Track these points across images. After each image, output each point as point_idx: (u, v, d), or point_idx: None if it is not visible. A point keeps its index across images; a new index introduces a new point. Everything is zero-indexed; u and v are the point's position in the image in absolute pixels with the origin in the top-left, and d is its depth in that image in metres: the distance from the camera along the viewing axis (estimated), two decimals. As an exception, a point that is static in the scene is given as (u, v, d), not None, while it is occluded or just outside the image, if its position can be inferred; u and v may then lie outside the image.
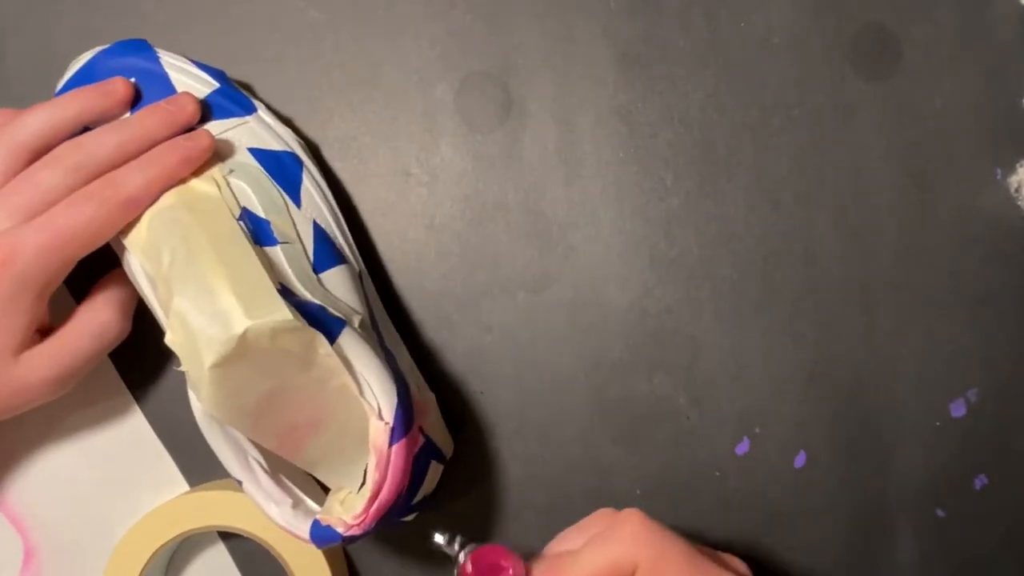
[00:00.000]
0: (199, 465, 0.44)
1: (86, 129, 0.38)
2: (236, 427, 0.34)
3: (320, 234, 0.38)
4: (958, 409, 0.43)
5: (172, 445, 0.44)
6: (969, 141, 0.43)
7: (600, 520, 0.35)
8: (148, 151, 0.37)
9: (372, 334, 0.37)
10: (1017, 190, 0.43)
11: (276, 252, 0.36)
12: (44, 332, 0.38)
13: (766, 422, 0.43)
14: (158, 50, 0.40)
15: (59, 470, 0.44)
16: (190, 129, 0.38)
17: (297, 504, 0.36)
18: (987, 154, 0.43)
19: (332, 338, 0.33)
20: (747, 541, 0.44)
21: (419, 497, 0.39)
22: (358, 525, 0.34)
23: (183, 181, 0.36)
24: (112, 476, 0.44)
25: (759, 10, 0.43)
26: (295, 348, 0.33)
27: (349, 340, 0.34)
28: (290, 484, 0.37)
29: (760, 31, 0.43)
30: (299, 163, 0.40)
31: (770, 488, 0.44)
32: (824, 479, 0.44)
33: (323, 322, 0.33)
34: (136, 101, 0.39)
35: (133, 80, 0.39)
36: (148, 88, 0.39)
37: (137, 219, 0.36)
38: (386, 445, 0.34)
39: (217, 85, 0.40)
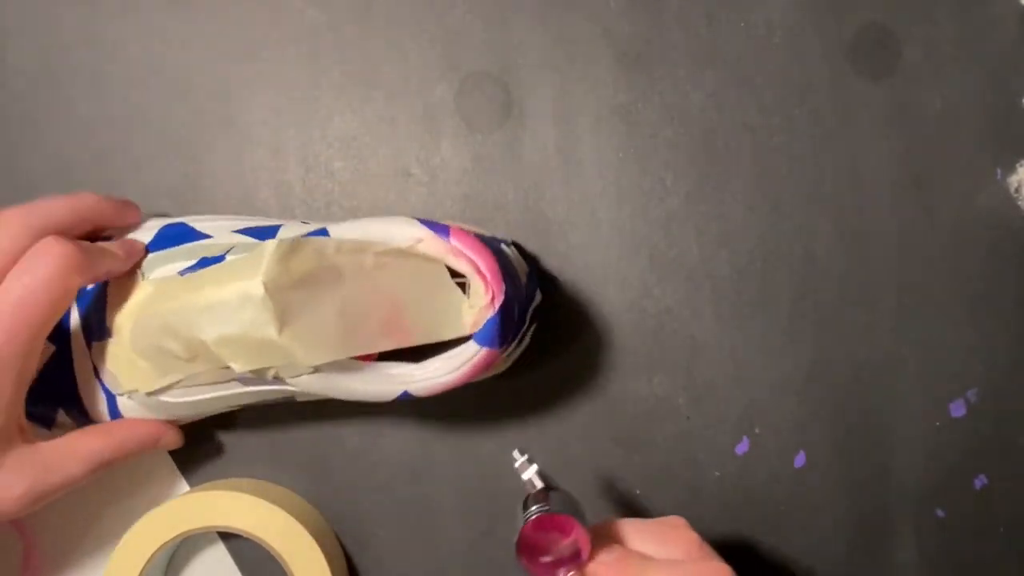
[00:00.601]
0: (199, 465, 0.44)
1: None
2: (351, 353, 0.34)
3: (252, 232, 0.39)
4: (958, 409, 0.43)
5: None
6: (969, 141, 0.43)
7: (682, 540, 0.34)
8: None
9: None
10: (1017, 190, 0.43)
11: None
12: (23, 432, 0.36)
13: (766, 422, 0.43)
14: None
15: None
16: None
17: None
18: (987, 154, 0.43)
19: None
20: (747, 541, 0.44)
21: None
22: (492, 300, 0.35)
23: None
24: (112, 476, 0.44)
25: (759, 10, 0.43)
26: (310, 263, 0.34)
27: (339, 229, 0.35)
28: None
29: (760, 31, 0.43)
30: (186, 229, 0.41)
31: (770, 488, 0.44)
32: (824, 479, 0.44)
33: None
34: None
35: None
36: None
37: (126, 368, 0.37)
38: (440, 235, 0.35)
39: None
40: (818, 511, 0.44)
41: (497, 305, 0.34)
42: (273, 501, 0.41)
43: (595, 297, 0.43)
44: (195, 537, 0.45)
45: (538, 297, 0.40)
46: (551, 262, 0.43)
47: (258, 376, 0.35)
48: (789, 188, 0.43)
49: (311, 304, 0.34)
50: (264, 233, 0.38)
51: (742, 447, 0.44)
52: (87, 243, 0.36)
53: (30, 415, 0.38)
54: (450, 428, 0.44)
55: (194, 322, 0.34)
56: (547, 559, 0.33)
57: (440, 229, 0.35)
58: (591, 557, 0.33)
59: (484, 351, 0.35)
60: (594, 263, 0.43)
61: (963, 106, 0.43)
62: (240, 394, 0.37)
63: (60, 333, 0.38)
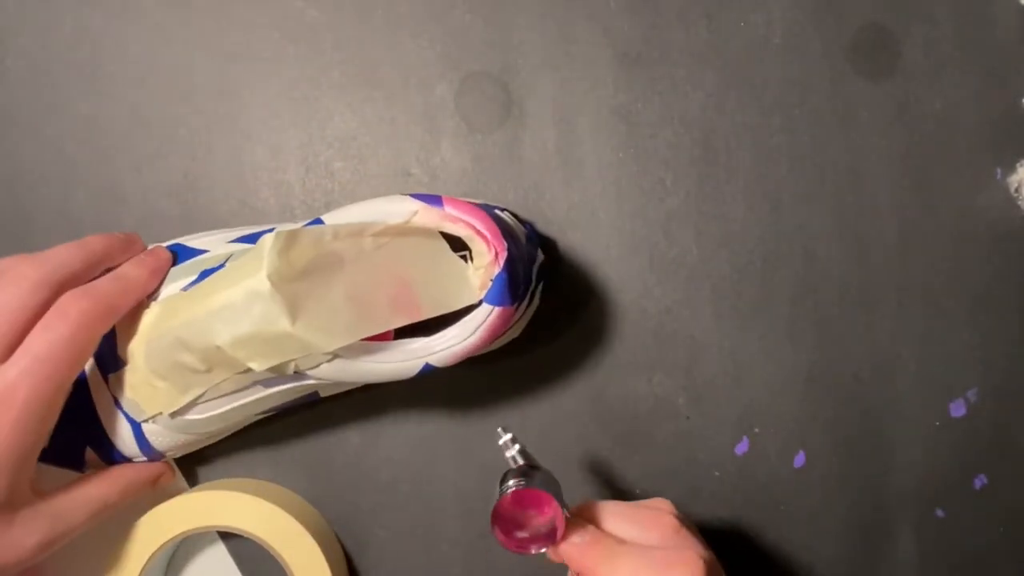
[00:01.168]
0: (199, 465, 0.44)
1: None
2: (365, 333, 0.34)
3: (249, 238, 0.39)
4: (958, 409, 0.43)
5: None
6: (969, 141, 0.43)
7: (659, 524, 0.34)
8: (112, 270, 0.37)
9: None
10: (1017, 190, 0.43)
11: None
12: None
13: (766, 422, 0.43)
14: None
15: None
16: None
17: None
18: (987, 154, 0.43)
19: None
20: (747, 541, 0.44)
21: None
22: (496, 257, 0.35)
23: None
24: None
25: (759, 10, 0.43)
26: (311, 252, 0.34)
27: (334, 216, 0.36)
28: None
29: (760, 31, 0.43)
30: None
31: (770, 488, 0.44)
32: (824, 479, 0.44)
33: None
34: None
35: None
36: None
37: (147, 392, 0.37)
38: (434, 205, 0.36)
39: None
40: (818, 511, 0.44)
41: (502, 261, 0.35)
42: (273, 501, 0.41)
43: (595, 297, 0.43)
44: (195, 537, 0.45)
45: (540, 256, 0.40)
46: (551, 262, 0.43)
47: (278, 374, 0.35)
48: (789, 188, 0.43)
49: (318, 292, 0.34)
50: (258, 239, 0.38)
51: (742, 447, 0.44)
52: (105, 282, 0.36)
53: (59, 460, 0.39)
54: (450, 428, 0.44)
55: (206, 330, 0.34)
56: (521, 534, 0.33)
57: (433, 200, 0.35)
58: (564, 537, 0.33)
59: (497, 310, 0.35)
60: (594, 263, 0.43)
61: (963, 106, 0.43)
62: (264, 398, 0.37)
63: None
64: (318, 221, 0.36)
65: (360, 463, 0.44)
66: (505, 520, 0.33)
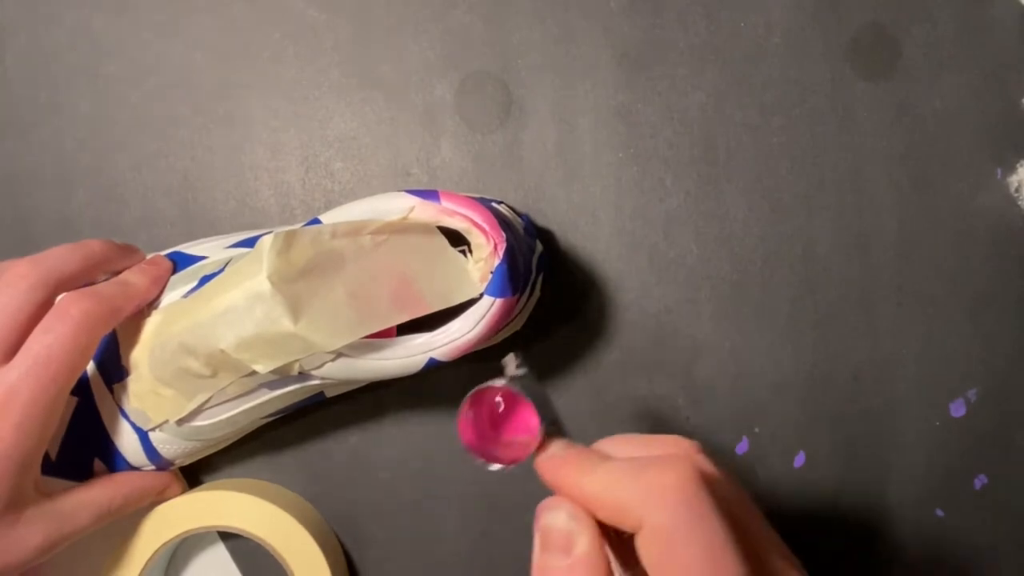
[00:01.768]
0: (199, 465, 0.44)
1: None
2: (368, 330, 0.34)
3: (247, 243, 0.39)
4: (958, 409, 0.43)
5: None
6: (969, 141, 0.43)
7: (664, 445, 0.28)
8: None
9: None
10: (1017, 190, 0.43)
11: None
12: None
13: (766, 422, 0.43)
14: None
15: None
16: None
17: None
18: (987, 154, 0.43)
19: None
20: (747, 541, 0.44)
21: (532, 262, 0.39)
22: (495, 248, 0.35)
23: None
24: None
25: (759, 10, 0.43)
26: (310, 251, 0.34)
27: (331, 215, 0.36)
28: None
29: (760, 31, 0.43)
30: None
31: (770, 488, 0.44)
32: (824, 479, 0.44)
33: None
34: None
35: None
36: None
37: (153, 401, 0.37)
38: (430, 200, 0.36)
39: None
40: (818, 511, 0.44)
41: (501, 252, 0.35)
42: (273, 501, 0.41)
43: (595, 297, 0.43)
44: (195, 537, 0.45)
45: (539, 247, 0.40)
46: (551, 262, 0.43)
47: (283, 375, 0.35)
48: (789, 188, 0.43)
49: (320, 291, 0.34)
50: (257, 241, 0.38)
51: (742, 447, 0.44)
52: (107, 286, 0.36)
53: (67, 472, 0.39)
54: (450, 428, 0.44)
55: (209, 334, 0.34)
56: (493, 444, 0.29)
57: (429, 195, 0.36)
58: (543, 449, 0.29)
59: (499, 302, 0.35)
60: (594, 263, 0.43)
61: (963, 106, 0.43)
62: (270, 400, 0.37)
63: (79, 383, 0.38)
64: (316, 221, 0.36)
65: (360, 463, 0.44)
66: (479, 419, 0.29)
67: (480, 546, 0.44)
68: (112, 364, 0.37)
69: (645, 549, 0.25)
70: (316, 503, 0.44)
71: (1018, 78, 0.43)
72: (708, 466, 0.27)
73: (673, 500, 0.25)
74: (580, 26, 0.43)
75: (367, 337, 0.35)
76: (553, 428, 0.30)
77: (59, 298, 0.34)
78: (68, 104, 0.44)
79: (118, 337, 0.37)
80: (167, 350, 0.35)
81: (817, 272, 0.43)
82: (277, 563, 0.42)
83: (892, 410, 0.43)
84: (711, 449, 0.28)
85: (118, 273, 0.38)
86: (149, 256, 0.40)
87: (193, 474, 0.44)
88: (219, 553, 0.45)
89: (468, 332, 0.35)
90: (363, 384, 0.40)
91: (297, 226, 0.36)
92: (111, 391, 0.38)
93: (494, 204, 0.39)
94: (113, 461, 0.39)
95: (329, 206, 0.44)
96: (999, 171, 0.43)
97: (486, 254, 0.35)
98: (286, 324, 0.33)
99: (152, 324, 0.36)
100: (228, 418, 0.38)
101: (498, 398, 0.29)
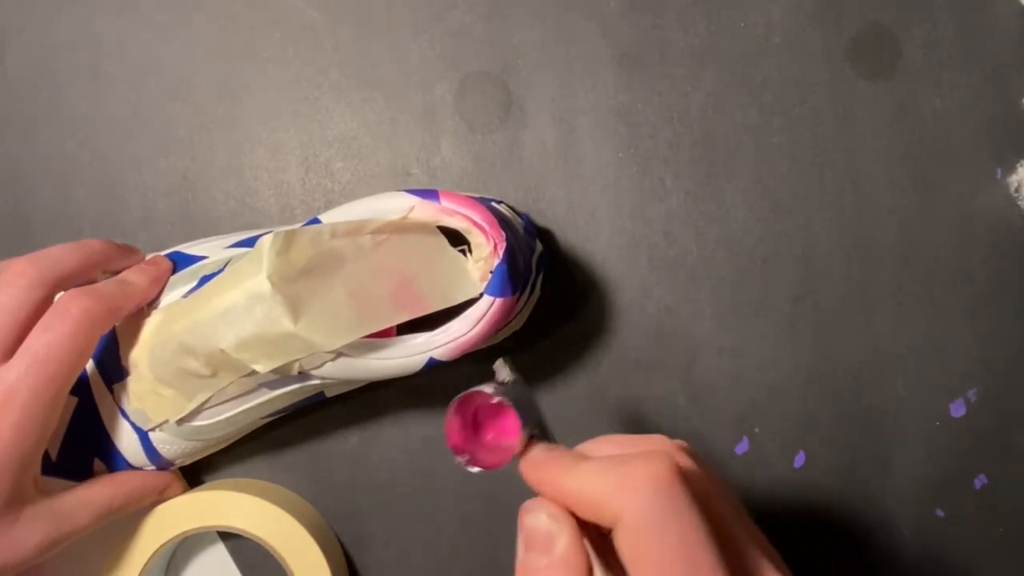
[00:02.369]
0: (199, 465, 0.44)
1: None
2: (368, 330, 0.34)
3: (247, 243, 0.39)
4: (958, 409, 0.43)
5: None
6: (969, 141, 0.43)
7: (646, 443, 0.29)
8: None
9: None
10: (1017, 190, 0.43)
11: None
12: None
13: (766, 422, 0.43)
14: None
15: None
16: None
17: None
18: (987, 154, 0.43)
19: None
20: (747, 541, 0.44)
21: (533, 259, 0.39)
22: (495, 248, 0.35)
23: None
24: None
25: (759, 10, 0.43)
26: (309, 251, 0.34)
27: (331, 215, 0.36)
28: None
29: (760, 31, 0.43)
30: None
31: (770, 488, 0.44)
32: (824, 479, 0.44)
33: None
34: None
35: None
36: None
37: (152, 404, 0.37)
38: (430, 199, 0.36)
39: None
40: (818, 511, 0.44)
41: (501, 251, 0.35)
42: (273, 501, 0.41)
43: (595, 297, 0.43)
44: (195, 537, 0.45)
45: (539, 247, 0.40)
46: (551, 262, 0.43)
47: (283, 375, 0.35)
48: (789, 188, 0.43)
49: (319, 291, 0.34)
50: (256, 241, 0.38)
51: (742, 447, 0.44)
52: (106, 285, 0.36)
53: (67, 472, 0.39)
54: (450, 428, 0.44)
55: (209, 334, 0.34)
56: (478, 446, 0.30)
57: (429, 194, 0.36)
58: (525, 452, 0.29)
59: (498, 302, 0.35)
60: (594, 263, 0.43)
61: (963, 106, 0.43)
62: (270, 400, 0.37)
63: (79, 383, 0.38)
64: (315, 220, 0.36)
65: (360, 463, 0.44)
66: (465, 422, 0.30)
67: (480, 546, 0.44)
68: (112, 364, 0.37)
69: (621, 543, 0.25)
70: (316, 503, 0.44)
71: (1018, 78, 0.43)
72: (686, 461, 0.27)
73: (648, 492, 0.25)
74: (580, 26, 0.43)
75: (367, 337, 0.35)
76: (538, 432, 0.30)
77: (58, 296, 0.34)
78: (68, 104, 0.44)
79: (118, 337, 0.37)
80: (167, 350, 0.35)
81: (817, 272, 0.43)
82: (277, 563, 0.42)
83: (892, 410, 0.43)
84: (704, 450, 0.29)
85: (118, 273, 0.38)
86: (149, 256, 0.40)
87: (193, 474, 0.44)
88: (219, 553, 0.45)
89: (468, 332, 0.35)
90: (363, 384, 0.40)
91: (297, 226, 0.36)
92: (111, 391, 0.38)
93: (494, 204, 0.39)
94: (113, 461, 0.39)
95: (329, 206, 0.44)
96: (999, 171, 0.43)
97: (486, 254, 0.35)
98: (286, 324, 0.33)
99: (152, 324, 0.36)
100: (228, 418, 0.38)
101: (484, 403, 0.30)
